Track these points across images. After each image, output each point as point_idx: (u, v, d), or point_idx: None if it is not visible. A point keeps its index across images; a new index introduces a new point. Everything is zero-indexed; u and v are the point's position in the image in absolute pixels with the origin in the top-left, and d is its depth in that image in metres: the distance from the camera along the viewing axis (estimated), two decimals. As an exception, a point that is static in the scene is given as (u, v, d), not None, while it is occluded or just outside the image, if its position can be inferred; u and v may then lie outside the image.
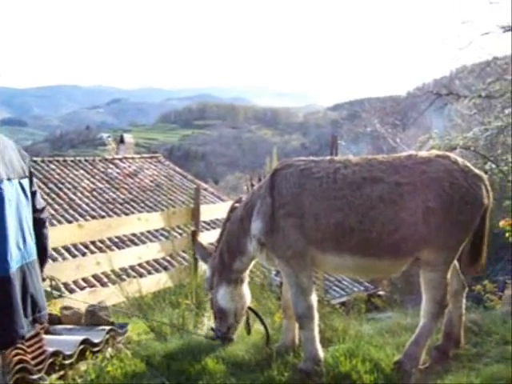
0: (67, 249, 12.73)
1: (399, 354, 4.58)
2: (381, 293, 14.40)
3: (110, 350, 4.98)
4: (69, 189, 17.18)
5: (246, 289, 5.14)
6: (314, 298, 4.64)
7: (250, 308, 5.22)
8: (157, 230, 13.52)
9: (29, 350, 4.26)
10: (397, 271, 4.74)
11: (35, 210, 3.54)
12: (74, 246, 12.85)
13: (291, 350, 4.85)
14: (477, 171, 4.65)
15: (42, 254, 3.65)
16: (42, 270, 3.70)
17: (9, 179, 3.21)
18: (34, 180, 3.64)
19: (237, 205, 5.15)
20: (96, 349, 4.79)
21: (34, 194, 3.54)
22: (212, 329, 5.12)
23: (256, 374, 4.49)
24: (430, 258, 4.43)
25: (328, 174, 4.53)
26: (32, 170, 3.60)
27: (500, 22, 16.18)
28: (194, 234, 5.54)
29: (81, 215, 15.70)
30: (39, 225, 3.58)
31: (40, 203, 3.65)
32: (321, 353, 4.57)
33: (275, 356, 4.63)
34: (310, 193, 4.50)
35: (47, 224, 3.72)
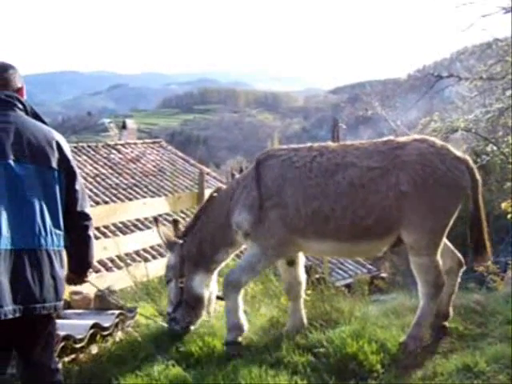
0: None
1: (404, 335, 4.66)
2: (383, 275, 14.46)
3: (119, 333, 5.06)
4: (72, 175, 17.17)
5: (215, 277, 5.19)
6: (249, 281, 4.97)
7: (218, 297, 5.29)
8: (160, 215, 13.53)
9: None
10: (378, 251, 4.91)
11: (75, 211, 3.41)
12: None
13: (300, 330, 4.91)
14: (458, 154, 4.64)
15: (80, 262, 3.54)
16: (82, 278, 3.64)
17: (17, 161, 3.15)
18: (79, 180, 3.46)
19: (215, 194, 5.14)
20: (106, 332, 4.87)
21: (73, 192, 3.40)
22: (172, 319, 4.99)
23: (264, 356, 4.56)
24: (411, 241, 4.51)
25: (305, 162, 4.64)
26: (74, 168, 3.43)
27: (501, 3, 16.10)
28: (176, 222, 5.31)
29: (84, 201, 15.72)
30: (78, 231, 3.46)
31: (82, 206, 3.45)
32: (245, 322, 4.76)
33: (283, 338, 4.70)
34: (290, 183, 4.62)
35: (89, 233, 3.51)
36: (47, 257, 3.22)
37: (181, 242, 5.05)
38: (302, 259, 5.05)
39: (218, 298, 5.30)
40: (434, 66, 22.08)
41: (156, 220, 5.28)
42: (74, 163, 3.48)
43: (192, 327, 5.00)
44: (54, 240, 3.28)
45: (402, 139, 4.74)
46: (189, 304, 4.95)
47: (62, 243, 3.34)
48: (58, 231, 3.30)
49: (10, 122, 3.24)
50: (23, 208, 3.15)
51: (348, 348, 4.45)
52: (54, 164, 3.31)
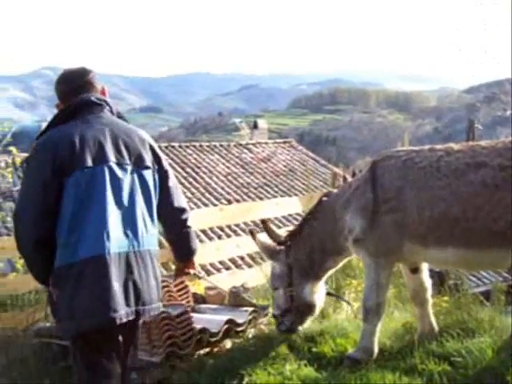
0: (203, 231, 12.98)
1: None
2: (521, 285, 13.73)
3: (252, 330, 5.14)
4: (205, 173, 17.69)
5: (323, 281, 5.05)
6: (386, 296, 4.58)
7: (328, 293, 5.19)
8: (290, 215, 13.57)
9: (178, 326, 4.51)
10: (508, 263, 4.41)
11: (172, 208, 3.52)
12: (211, 228, 13.05)
13: (433, 336, 4.75)
14: None
15: (187, 250, 3.66)
16: (190, 266, 3.76)
17: (119, 164, 3.23)
18: (172, 176, 3.58)
19: (325, 199, 4.92)
20: (239, 329, 4.96)
21: (168, 190, 3.50)
22: (280, 322, 4.91)
23: (397, 362, 4.45)
24: None
25: (431, 162, 4.34)
26: (166, 165, 3.54)
27: None
28: (265, 222, 5.05)
29: (216, 199, 16.15)
30: (179, 226, 3.57)
31: (178, 202, 3.57)
32: (375, 348, 4.51)
33: (417, 344, 4.57)
34: (413, 184, 4.34)
35: (189, 224, 3.62)
36: (149, 258, 3.31)
37: (283, 248, 4.93)
38: (425, 265, 4.85)
39: (329, 294, 5.24)
40: None
41: (252, 232, 5.09)
42: (165, 161, 3.57)
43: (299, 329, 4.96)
44: (153, 240, 3.38)
45: None
46: (300, 311, 4.87)
47: (157, 243, 3.44)
48: (154, 231, 3.40)
49: (105, 124, 3.31)
50: (127, 210, 3.23)
51: (488, 360, 4.25)
52: (149, 163, 3.40)
